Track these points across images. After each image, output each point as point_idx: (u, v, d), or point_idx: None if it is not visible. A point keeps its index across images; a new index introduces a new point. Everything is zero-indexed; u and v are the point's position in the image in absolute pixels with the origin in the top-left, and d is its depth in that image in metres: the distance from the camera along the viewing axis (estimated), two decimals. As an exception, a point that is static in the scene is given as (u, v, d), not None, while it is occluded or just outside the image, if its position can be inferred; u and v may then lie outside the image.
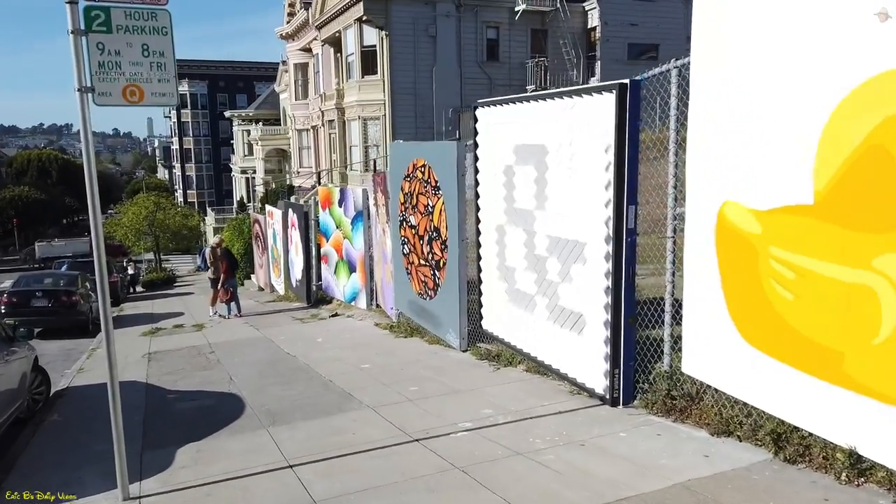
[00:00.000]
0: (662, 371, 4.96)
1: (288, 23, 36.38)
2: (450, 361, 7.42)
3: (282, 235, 18.08)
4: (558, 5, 27.62)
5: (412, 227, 8.96)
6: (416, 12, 26.55)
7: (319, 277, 15.49)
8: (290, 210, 17.26)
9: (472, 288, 7.73)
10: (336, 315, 13.08)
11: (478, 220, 7.11)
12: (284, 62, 41.13)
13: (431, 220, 8.30)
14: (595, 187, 5.08)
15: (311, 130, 35.40)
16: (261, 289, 22.09)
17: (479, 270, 7.18)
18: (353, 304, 13.29)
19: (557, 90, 5.48)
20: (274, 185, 36.31)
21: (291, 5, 36.01)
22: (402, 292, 9.69)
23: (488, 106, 6.63)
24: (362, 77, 27.26)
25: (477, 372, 6.79)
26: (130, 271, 31.90)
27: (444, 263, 8.04)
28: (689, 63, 4.44)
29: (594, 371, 5.30)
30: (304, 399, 6.38)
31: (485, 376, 6.57)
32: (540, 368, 6.37)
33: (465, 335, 7.81)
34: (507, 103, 6.27)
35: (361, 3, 25.74)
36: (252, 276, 24.38)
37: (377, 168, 25.68)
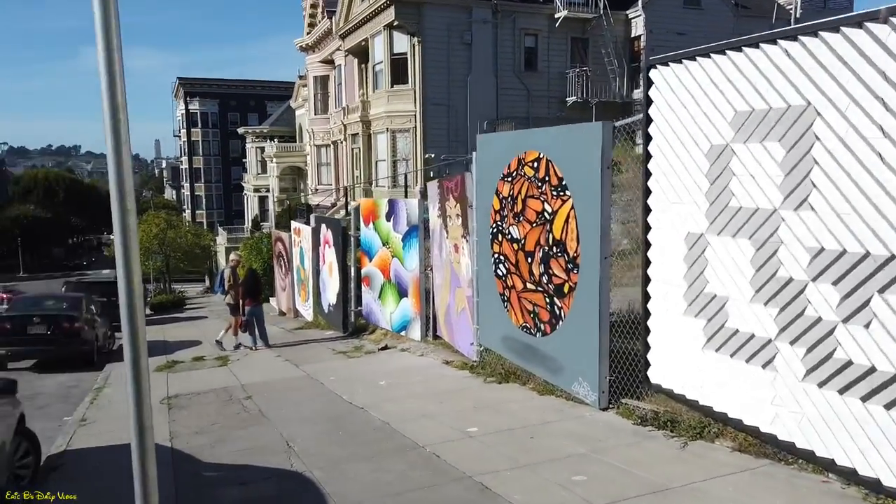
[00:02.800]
0: None
1: (308, 34, 34.77)
2: (597, 428, 5.30)
3: (311, 255, 16.06)
4: (601, 12, 25.83)
5: (514, 241, 6.91)
6: (450, 18, 24.79)
7: (359, 302, 13.41)
8: (324, 225, 15.26)
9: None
10: (386, 348, 10.99)
11: (646, 228, 5.05)
12: (302, 76, 39.51)
13: (550, 232, 6.24)
14: (950, 165, 3.03)
15: (332, 146, 33.57)
16: (282, 313, 20.02)
17: (646, 299, 5.10)
18: (402, 334, 11.22)
19: (844, 16, 3.45)
20: (290, 203, 34.39)
21: (312, 16, 34.40)
22: (492, 324, 7.61)
23: (681, 62, 4.60)
24: (391, 87, 25.43)
25: (655, 448, 4.68)
26: (138, 293, 29.73)
27: (572, 289, 5.96)
28: None
29: (930, 471, 3.19)
30: (414, 490, 4.27)
31: (677, 458, 4.45)
32: (766, 449, 4.27)
33: (607, 388, 5.71)
34: (722, 52, 4.23)
35: (393, 8, 23.99)
36: (272, 299, 22.32)
37: (408, 182, 23.74)
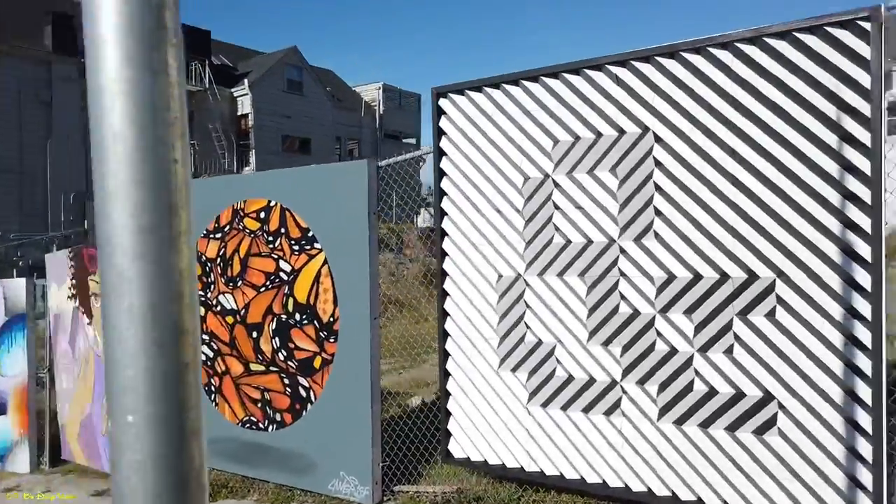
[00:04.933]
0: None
1: None
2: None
3: None
4: (206, 87, 24.78)
5: (229, 312, 5.44)
6: (21, 72, 20.61)
7: None
8: None
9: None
10: (-26, 492, 7.66)
11: (443, 276, 4.36)
12: None
13: (289, 295, 5.05)
14: (824, 181, 3.17)
15: None
16: None
17: (445, 358, 4.35)
18: (-3, 467, 8.04)
19: (684, 41, 3.47)
20: None
21: None
22: (188, 427, 5.80)
23: (482, 90, 4.14)
24: (-68, 146, 19.67)
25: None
26: None
27: (327, 362, 4.86)
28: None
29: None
30: None
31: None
32: (608, 506, 3.88)
33: (380, 477, 4.71)
34: (535, 79, 3.93)
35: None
36: None
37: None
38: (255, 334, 5.27)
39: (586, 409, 3.81)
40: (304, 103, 27.98)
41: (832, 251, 3.12)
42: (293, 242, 5.02)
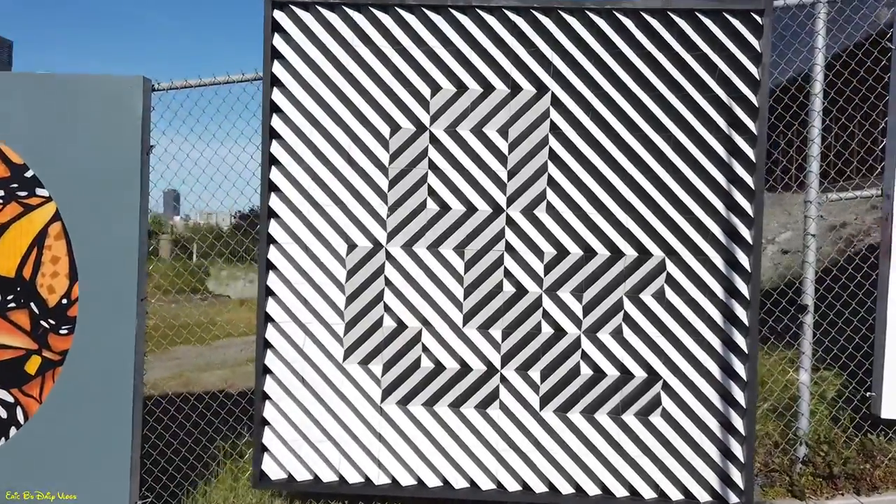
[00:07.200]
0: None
1: None
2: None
3: None
4: None
5: None
6: None
7: None
8: None
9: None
10: None
11: (269, 241, 3.27)
12: None
13: (-18, 266, 3.30)
14: (713, 157, 3.20)
15: None
16: None
17: (264, 349, 3.28)
18: None
19: None
20: None
21: None
22: None
23: (336, 8, 3.21)
24: None
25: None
26: None
27: (51, 363, 3.32)
28: None
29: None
30: None
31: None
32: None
33: (138, 520, 3.39)
34: (412, 8, 3.21)
35: None
36: None
37: None
38: None
39: (456, 403, 3.26)
40: None
41: (717, 232, 3.21)
42: (-3, 187, 3.31)
